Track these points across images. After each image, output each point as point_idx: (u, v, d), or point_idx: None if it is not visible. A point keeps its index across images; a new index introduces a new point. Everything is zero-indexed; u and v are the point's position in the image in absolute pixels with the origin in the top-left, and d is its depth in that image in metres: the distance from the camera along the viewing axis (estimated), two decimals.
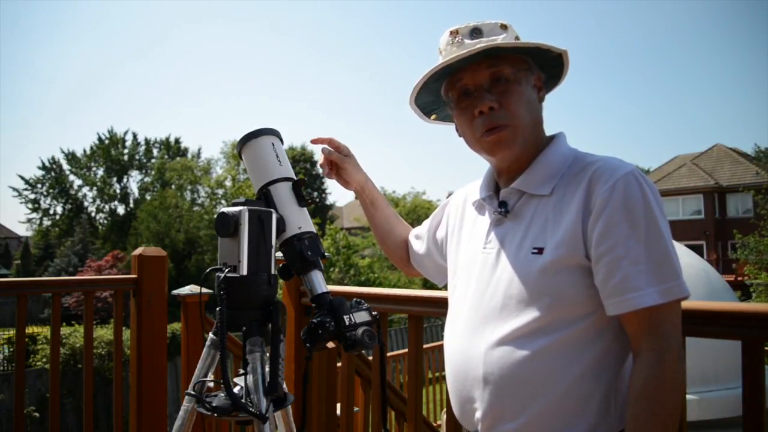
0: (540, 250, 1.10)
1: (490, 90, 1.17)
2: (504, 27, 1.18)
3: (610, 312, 1.05)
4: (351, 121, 73.77)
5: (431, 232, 1.50)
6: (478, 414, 1.15)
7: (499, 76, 1.17)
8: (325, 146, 1.51)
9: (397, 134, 75.99)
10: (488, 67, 1.17)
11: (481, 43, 1.15)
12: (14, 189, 36.25)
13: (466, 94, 1.20)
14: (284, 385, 1.24)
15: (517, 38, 1.20)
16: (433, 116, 1.37)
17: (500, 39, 1.16)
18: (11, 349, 11.42)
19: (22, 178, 36.10)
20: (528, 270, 1.11)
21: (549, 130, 1.26)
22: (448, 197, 1.52)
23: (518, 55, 1.19)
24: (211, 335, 1.33)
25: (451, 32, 1.20)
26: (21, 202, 35.84)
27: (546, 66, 1.24)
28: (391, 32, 77.45)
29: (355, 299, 1.27)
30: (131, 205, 36.17)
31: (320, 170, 1.54)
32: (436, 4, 74.26)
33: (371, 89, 76.16)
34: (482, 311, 1.17)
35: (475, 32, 1.17)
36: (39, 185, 36.08)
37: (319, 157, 1.55)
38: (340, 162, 1.50)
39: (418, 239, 1.56)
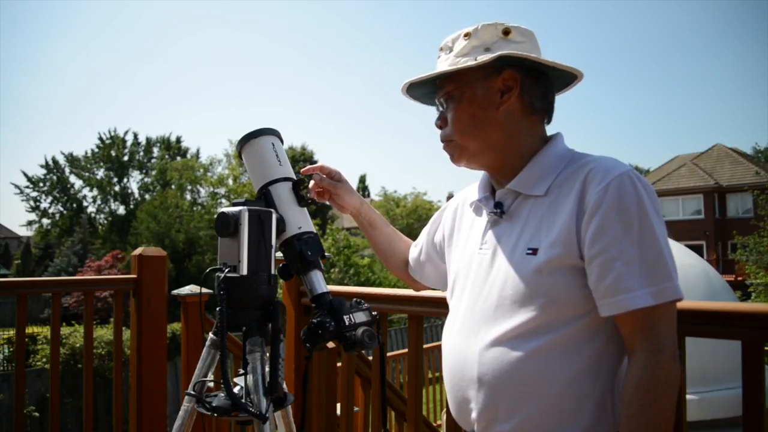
0: (534, 251, 1.10)
1: (444, 106, 1.23)
2: (467, 35, 1.18)
3: (603, 313, 1.05)
4: (352, 121, 73.87)
5: (430, 236, 1.50)
6: (473, 414, 1.16)
7: (446, 95, 1.22)
8: (316, 173, 1.50)
9: (399, 135, 76.08)
10: (440, 87, 1.23)
11: (439, 63, 1.21)
12: (16, 186, 36.31)
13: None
14: (284, 385, 1.24)
15: (484, 44, 1.16)
16: None
17: (455, 52, 1.18)
18: (11, 349, 11.42)
19: (25, 174, 36.17)
20: (522, 270, 1.11)
21: (548, 130, 1.25)
22: (448, 198, 1.52)
23: (472, 67, 1.15)
24: (211, 335, 1.34)
25: (440, 48, 1.23)
26: (22, 200, 35.89)
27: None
28: (394, 33, 77.51)
29: (355, 299, 1.27)
30: (131, 205, 36.13)
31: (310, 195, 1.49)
32: (442, 3, 74.30)
33: (372, 89, 76.21)
34: (477, 312, 1.17)
35: (445, 48, 1.21)
36: (41, 184, 36.08)
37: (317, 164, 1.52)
38: (331, 188, 1.49)
39: (416, 247, 1.56)
